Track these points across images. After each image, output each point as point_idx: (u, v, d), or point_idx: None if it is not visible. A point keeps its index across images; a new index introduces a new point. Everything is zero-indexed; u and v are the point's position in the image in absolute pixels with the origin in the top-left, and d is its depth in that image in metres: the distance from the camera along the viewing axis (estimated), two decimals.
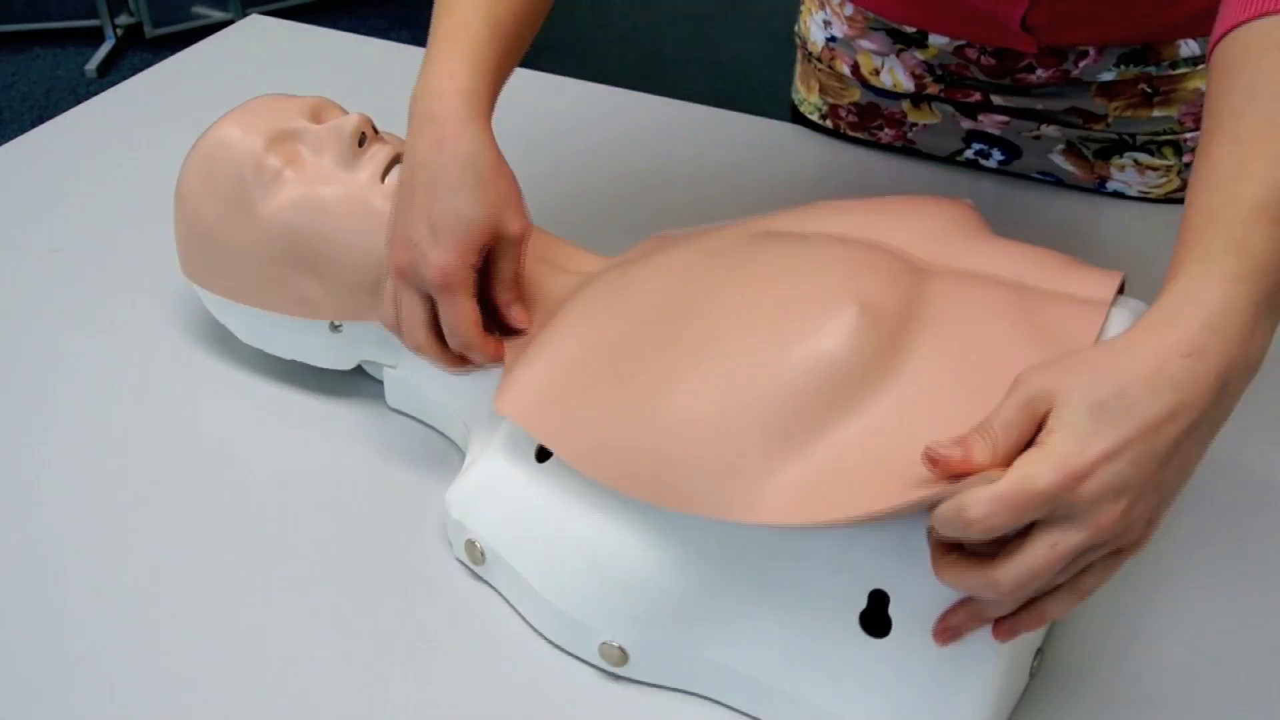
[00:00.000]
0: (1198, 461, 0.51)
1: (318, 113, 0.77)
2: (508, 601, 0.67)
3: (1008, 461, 0.49)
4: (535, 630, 0.65)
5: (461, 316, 0.65)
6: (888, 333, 0.58)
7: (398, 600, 0.67)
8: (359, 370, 0.81)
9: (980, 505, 0.48)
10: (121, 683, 0.62)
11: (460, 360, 0.68)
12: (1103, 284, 0.64)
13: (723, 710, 0.62)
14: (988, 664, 0.55)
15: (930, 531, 0.51)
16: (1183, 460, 0.50)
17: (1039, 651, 0.61)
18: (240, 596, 0.67)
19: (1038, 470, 0.48)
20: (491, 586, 0.68)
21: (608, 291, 0.68)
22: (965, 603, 0.53)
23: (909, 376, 0.58)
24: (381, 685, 0.62)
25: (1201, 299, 0.50)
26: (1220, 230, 0.51)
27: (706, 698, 0.62)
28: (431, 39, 0.69)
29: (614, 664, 0.62)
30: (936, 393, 0.57)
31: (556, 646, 0.64)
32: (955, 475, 0.50)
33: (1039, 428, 0.50)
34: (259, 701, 0.61)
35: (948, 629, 0.54)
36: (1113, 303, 0.63)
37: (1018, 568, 0.49)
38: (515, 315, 0.69)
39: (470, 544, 0.67)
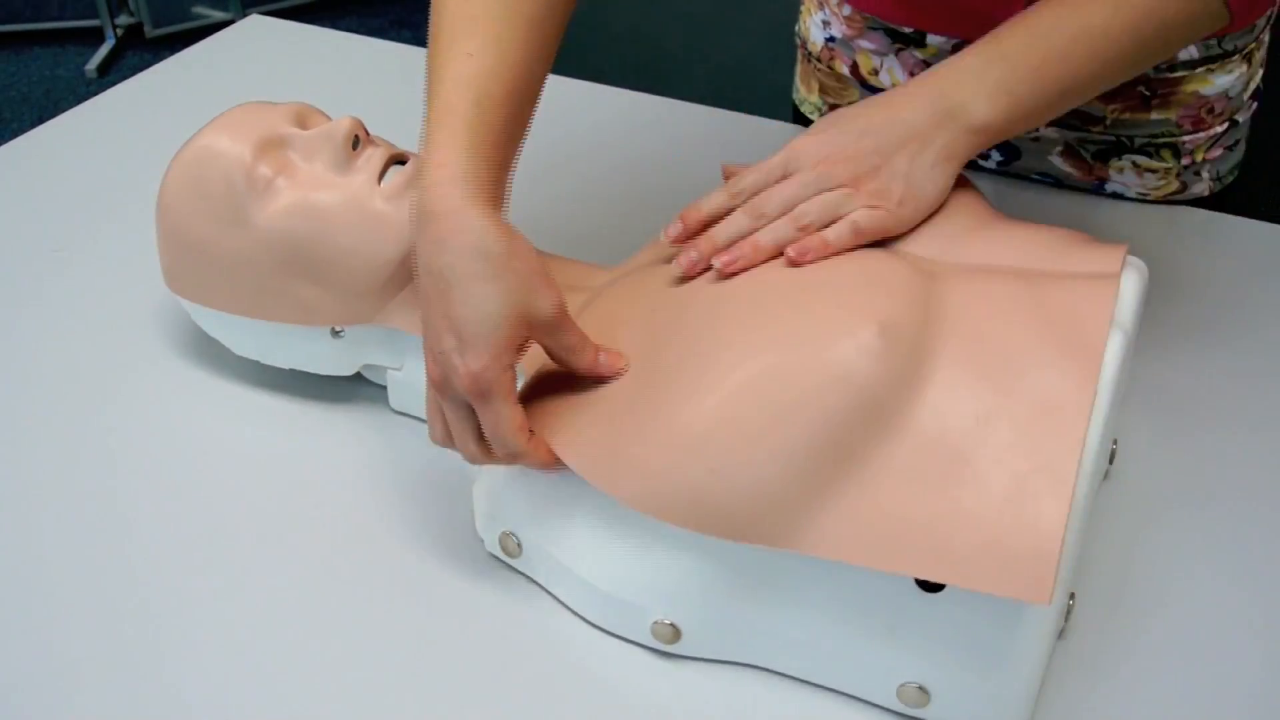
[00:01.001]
0: (901, 156, 0.67)
1: (302, 119, 0.77)
2: (547, 591, 0.67)
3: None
4: (579, 616, 0.66)
5: (502, 424, 0.60)
6: (909, 350, 0.59)
7: (436, 601, 0.67)
8: (355, 375, 0.81)
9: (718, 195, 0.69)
10: (155, 691, 0.62)
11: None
12: (1109, 258, 0.65)
13: (772, 677, 0.63)
14: (1040, 615, 0.56)
15: None
16: (879, 153, 0.67)
17: (1072, 595, 0.63)
18: (274, 609, 0.66)
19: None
20: (528, 578, 0.68)
21: (623, 306, 0.68)
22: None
23: (933, 394, 0.58)
24: (433, 685, 0.62)
25: (951, 61, 0.70)
26: (996, 32, 0.71)
27: (757, 666, 0.63)
28: (423, 129, 0.64)
29: (666, 642, 0.63)
30: (960, 409, 0.58)
31: (603, 630, 0.65)
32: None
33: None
34: (311, 703, 0.62)
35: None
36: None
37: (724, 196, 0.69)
38: (607, 366, 0.63)
39: (505, 536, 0.67)
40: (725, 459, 0.58)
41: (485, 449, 0.62)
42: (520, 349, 0.61)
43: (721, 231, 0.68)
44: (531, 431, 0.62)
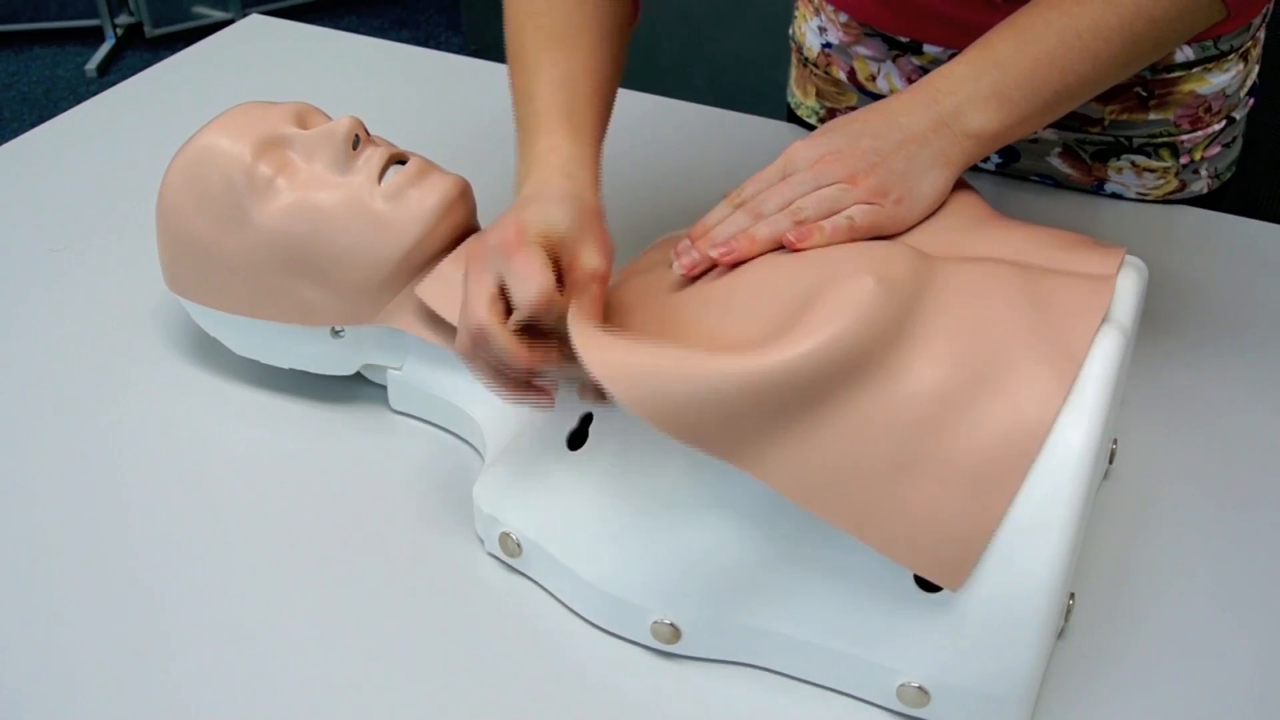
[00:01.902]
0: (898, 165, 0.68)
1: (303, 118, 0.77)
2: (546, 591, 0.67)
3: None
4: (579, 616, 0.66)
5: (534, 268, 0.61)
6: (900, 307, 0.59)
7: (435, 601, 0.67)
8: (355, 375, 0.81)
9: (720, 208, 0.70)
10: (156, 689, 0.62)
11: (522, 382, 0.63)
12: (1106, 260, 0.66)
13: (772, 677, 0.63)
14: (1040, 614, 0.56)
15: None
16: (876, 152, 0.68)
17: (1072, 595, 0.63)
18: (273, 608, 0.66)
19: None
20: (528, 578, 0.68)
21: (630, 315, 0.68)
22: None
23: (912, 360, 0.58)
24: (433, 685, 0.62)
25: (942, 70, 0.71)
26: (987, 37, 0.71)
27: (756, 666, 0.63)
28: (521, 128, 0.71)
29: (665, 642, 0.63)
30: (934, 382, 0.58)
31: (602, 629, 0.65)
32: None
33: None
34: (311, 703, 0.62)
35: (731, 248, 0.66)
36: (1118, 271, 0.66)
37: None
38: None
39: (505, 537, 0.67)
40: (700, 369, 0.57)
41: (495, 316, 0.62)
42: (554, 257, 0.63)
43: (721, 231, 0.68)
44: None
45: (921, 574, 0.56)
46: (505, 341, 0.61)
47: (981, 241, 0.68)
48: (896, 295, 0.59)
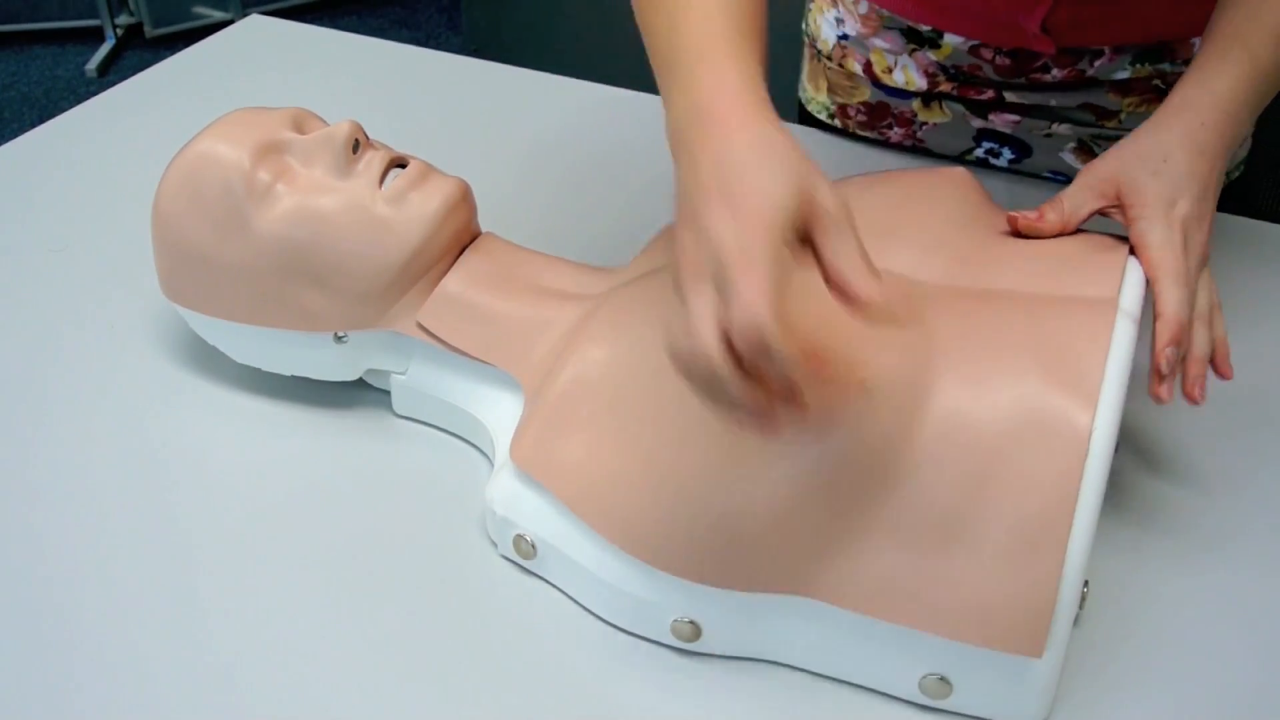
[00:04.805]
0: (1216, 202, 0.70)
1: (299, 124, 0.76)
2: (563, 592, 0.67)
3: (1073, 227, 0.70)
4: (596, 616, 0.65)
5: (756, 291, 0.50)
6: (896, 408, 0.59)
7: (449, 606, 0.66)
8: (356, 380, 0.80)
9: (1172, 292, 0.65)
10: (160, 696, 0.62)
11: (765, 405, 0.53)
12: (1107, 276, 0.66)
13: (794, 673, 0.63)
14: (1060, 604, 0.56)
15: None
16: (1211, 198, 0.69)
17: (1086, 583, 0.63)
18: (286, 619, 0.66)
19: (1165, 235, 0.66)
20: (542, 579, 0.68)
21: (623, 348, 0.66)
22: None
23: (925, 449, 0.59)
24: (452, 689, 0.62)
25: (1215, 86, 0.69)
26: (1239, 41, 0.70)
27: (777, 663, 0.63)
28: (670, 57, 0.61)
29: (686, 640, 0.63)
30: (955, 463, 0.58)
31: (621, 629, 0.65)
32: (1026, 231, 0.70)
33: (1105, 201, 0.69)
34: (330, 713, 0.61)
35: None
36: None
37: (1186, 294, 0.66)
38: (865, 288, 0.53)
39: (519, 539, 0.67)
40: (728, 519, 0.59)
41: (719, 342, 0.52)
42: (791, 232, 0.53)
43: (1200, 349, 0.69)
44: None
45: (1002, 650, 0.56)
46: (736, 389, 0.52)
47: (986, 264, 0.68)
48: (895, 392, 0.59)
